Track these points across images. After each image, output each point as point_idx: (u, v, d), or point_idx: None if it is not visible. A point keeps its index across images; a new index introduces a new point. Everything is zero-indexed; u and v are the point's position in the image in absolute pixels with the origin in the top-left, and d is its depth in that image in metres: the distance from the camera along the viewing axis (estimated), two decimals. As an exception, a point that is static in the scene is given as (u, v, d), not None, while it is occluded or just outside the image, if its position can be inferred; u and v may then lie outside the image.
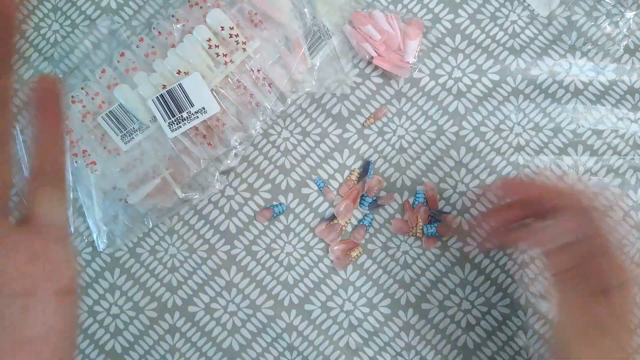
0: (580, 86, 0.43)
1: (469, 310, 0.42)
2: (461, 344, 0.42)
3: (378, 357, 0.42)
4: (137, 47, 0.41)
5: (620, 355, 0.31)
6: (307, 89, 0.42)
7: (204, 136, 0.40)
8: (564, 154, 0.43)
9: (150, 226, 0.42)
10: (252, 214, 0.43)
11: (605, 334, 0.31)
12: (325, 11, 0.44)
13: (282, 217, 0.43)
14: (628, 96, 0.43)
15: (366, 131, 0.44)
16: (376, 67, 0.44)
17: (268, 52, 0.40)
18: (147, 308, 0.43)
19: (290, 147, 0.44)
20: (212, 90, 0.39)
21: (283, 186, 0.44)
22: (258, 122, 0.41)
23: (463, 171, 0.43)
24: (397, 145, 0.43)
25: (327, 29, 0.44)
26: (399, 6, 0.44)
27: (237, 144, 0.41)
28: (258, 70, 0.40)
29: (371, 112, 0.44)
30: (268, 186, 0.44)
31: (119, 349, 0.43)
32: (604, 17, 0.44)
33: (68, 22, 0.45)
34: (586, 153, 0.43)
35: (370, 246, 0.43)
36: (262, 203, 0.43)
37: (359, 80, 0.44)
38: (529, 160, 0.43)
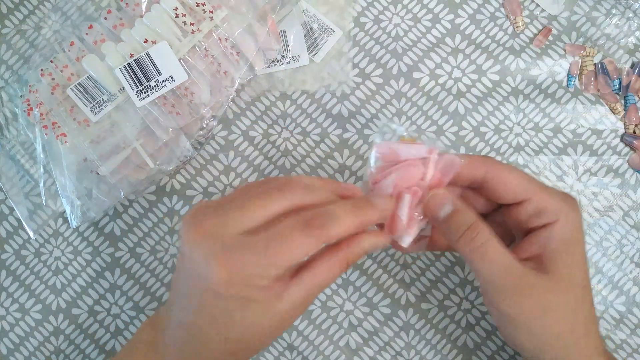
0: (580, 86, 0.43)
1: (469, 310, 0.42)
2: (461, 344, 0.42)
3: (378, 356, 0.42)
4: (105, 19, 0.41)
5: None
6: (306, 88, 0.42)
7: (173, 105, 0.40)
8: (563, 154, 0.43)
9: (122, 197, 0.41)
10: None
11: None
12: (326, 11, 0.44)
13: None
14: (628, 96, 0.43)
15: (366, 131, 0.44)
16: (377, 67, 0.44)
17: (236, 21, 0.41)
18: (148, 308, 0.43)
19: (290, 147, 0.44)
20: (180, 59, 0.39)
21: (283, 186, 0.44)
22: (228, 89, 0.41)
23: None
24: (397, 145, 0.43)
25: (329, 28, 0.44)
26: (399, 6, 0.44)
27: (208, 114, 0.41)
28: (226, 39, 0.40)
29: (371, 112, 0.44)
30: (268, 186, 0.44)
31: (119, 349, 0.43)
32: (604, 17, 0.44)
33: (68, 22, 0.45)
34: (586, 153, 0.43)
35: (370, 246, 0.43)
36: (262, 203, 0.43)
37: (359, 80, 0.44)
38: (528, 160, 0.43)
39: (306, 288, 0.29)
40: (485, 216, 0.35)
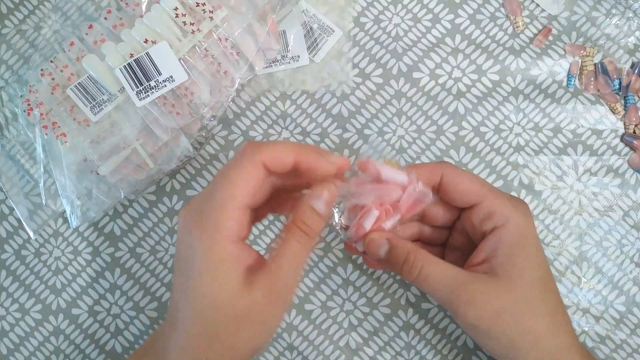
0: (580, 86, 0.43)
1: (468, 310, 0.42)
2: (461, 344, 0.42)
3: (378, 356, 0.42)
4: (105, 19, 0.41)
5: None
6: (306, 88, 0.42)
7: (173, 105, 0.40)
8: (563, 154, 0.43)
9: (122, 197, 0.41)
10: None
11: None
12: (326, 11, 0.44)
13: (282, 217, 0.43)
14: (628, 96, 0.43)
15: (366, 131, 0.44)
16: (377, 67, 0.44)
17: (236, 21, 0.41)
18: (148, 308, 0.43)
19: (290, 147, 0.44)
20: (180, 59, 0.40)
21: (283, 186, 0.44)
22: (228, 89, 0.42)
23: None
24: (397, 145, 0.43)
25: (329, 28, 0.44)
26: (399, 6, 0.44)
27: (208, 114, 0.42)
28: (226, 39, 0.41)
29: (371, 112, 0.44)
30: (268, 186, 0.44)
31: (119, 349, 0.43)
32: (604, 17, 0.44)
33: (68, 22, 0.45)
34: (586, 153, 0.43)
35: (370, 246, 0.43)
36: (262, 203, 0.43)
37: (359, 80, 0.44)
38: (528, 160, 0.43)
39: (278, 272, 0.28)
40: (450, 227, 0.36)
